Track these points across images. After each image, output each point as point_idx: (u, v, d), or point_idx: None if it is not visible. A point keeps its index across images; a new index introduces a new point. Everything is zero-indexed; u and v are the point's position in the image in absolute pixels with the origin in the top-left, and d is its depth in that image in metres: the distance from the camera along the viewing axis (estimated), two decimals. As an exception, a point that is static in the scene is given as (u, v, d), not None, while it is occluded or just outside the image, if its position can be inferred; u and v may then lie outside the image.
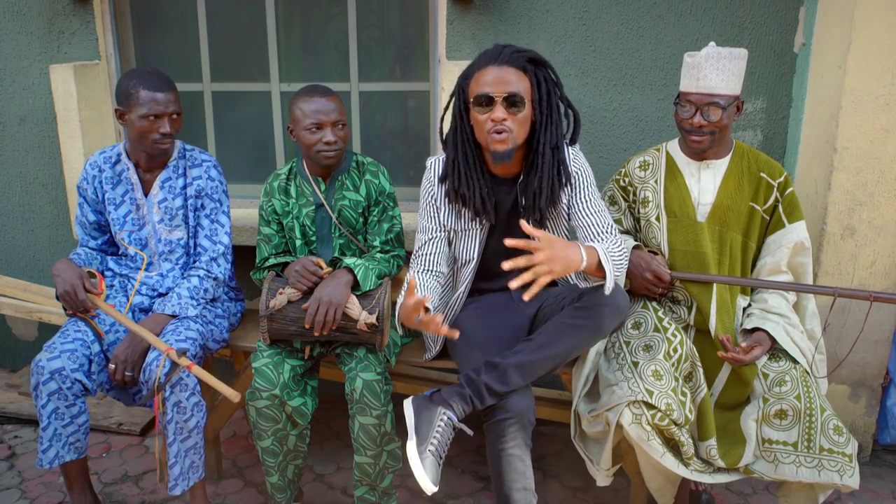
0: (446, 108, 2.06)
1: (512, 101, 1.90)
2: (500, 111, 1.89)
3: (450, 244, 2.17)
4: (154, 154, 2.25)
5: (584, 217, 2.05)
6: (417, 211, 2.19)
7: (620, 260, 1.96)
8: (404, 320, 1.88)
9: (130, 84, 2.17)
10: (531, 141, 2.00)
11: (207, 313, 2.32)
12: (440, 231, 2.13)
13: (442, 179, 2.08)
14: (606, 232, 2.02)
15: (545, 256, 1.72)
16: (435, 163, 2.12)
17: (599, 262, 1.86)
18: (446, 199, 2.08)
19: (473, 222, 2.09)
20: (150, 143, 2.21)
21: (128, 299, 2.33)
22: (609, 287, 1.86)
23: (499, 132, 1.90)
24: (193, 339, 2.15)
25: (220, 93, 3.08)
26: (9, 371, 3.30)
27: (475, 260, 2.14)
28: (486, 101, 1.91)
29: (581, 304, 1.91)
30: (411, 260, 2.17)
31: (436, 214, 2.12)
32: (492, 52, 1.95)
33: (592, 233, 2.03)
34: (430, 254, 2.13)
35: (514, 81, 1.90)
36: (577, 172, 2.05)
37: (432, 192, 2.11)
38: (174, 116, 2.22)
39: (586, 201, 2.05)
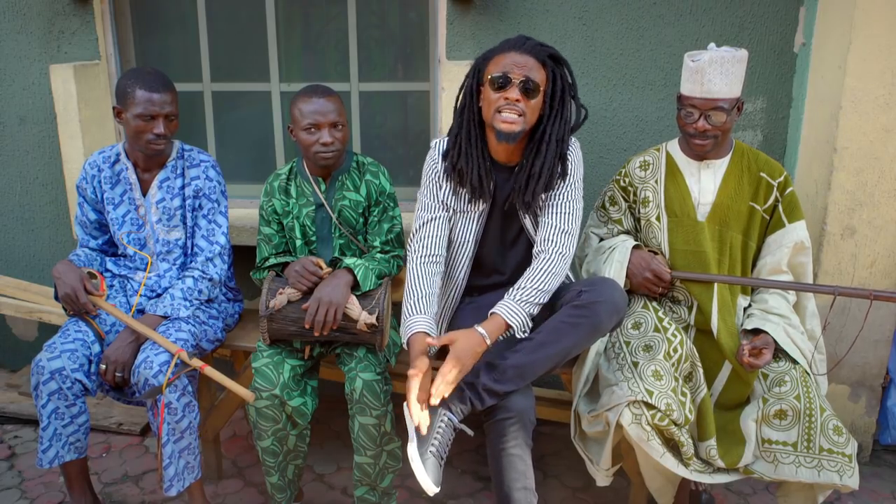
0: (461, 90, 2.08)
1: (527, 87, 1.92)
2: (515, 92, 1.92)
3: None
4: (149, 154, 2.25)
5: (551, 217, 2.04)
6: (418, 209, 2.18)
7: (551, 280, 1.97)
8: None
9: (128, 83, 2.17)
10: (536, 131, 2.01)
11: (201, 314, 2.31)
12: (442, 209, 2.12)
13: (444, 155, 2.09)
14: (556, 240, 2.02)
15: (449, 366, 1.85)
16: (440, 142, 2.14)
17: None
18: (446, 176, 2.10)
19: (471, 204, 2.10)
20: (145, 143, 2.20)
21: (128, 300, 2.33)
22: (519, 333, 1.92)
23: (510, 112, 1.92)
24: (185, 341, 2.14)
25: (220, 93, 3.08)
26: (9, 371, 3.30)
27: (471, 244, 2.14)
28: (503, 82, 1.92)
29: (579, 303, 1.91)
30: (409, 243, 2.14)
31: (437, 192, 2.12)
32: (515, 40, 1.98)
33: (545, 235, 2.03)
34: (431, 236, 2.10)
35: (533, 69, 1.93)
36: (570, 163, 2.06)
37: (435, 169, 2.12)
38: (170, 118, 2.21)
39: (566, 195, 2.05)
